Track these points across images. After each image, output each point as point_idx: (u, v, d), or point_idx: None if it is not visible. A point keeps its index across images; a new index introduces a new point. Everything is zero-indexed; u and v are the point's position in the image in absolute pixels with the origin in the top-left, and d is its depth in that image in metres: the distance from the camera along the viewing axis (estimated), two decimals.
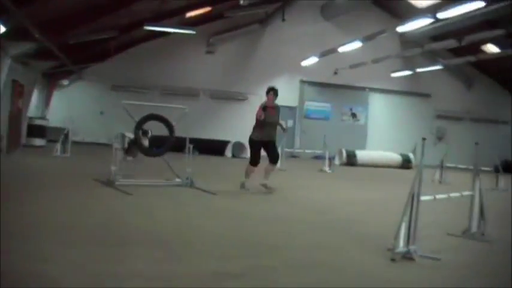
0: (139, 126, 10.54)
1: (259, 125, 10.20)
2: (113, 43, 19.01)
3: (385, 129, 26.52)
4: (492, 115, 27.72)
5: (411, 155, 22.31)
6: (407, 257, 5.37)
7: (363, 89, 26.61)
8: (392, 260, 5.31)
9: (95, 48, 18.92)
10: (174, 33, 20.28)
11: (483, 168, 14.22)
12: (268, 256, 5.29)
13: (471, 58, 22.07)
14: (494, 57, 22.20)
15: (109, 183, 9.58)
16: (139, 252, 4.99)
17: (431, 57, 25.01)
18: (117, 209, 7.60)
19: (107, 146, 15.95)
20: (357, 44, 18.61)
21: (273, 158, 10.45)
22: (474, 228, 6.85)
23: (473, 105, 27.54)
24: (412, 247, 5.42)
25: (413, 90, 27.04)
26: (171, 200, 8.73)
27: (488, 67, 26.76)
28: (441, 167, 15.58)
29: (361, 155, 22.19)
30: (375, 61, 23.11)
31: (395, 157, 22.48)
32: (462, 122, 27.54)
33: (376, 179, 16.50)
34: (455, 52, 23.82)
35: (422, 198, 5.59)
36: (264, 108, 10.11)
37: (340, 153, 21.69)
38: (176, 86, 23.80)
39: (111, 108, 20.51)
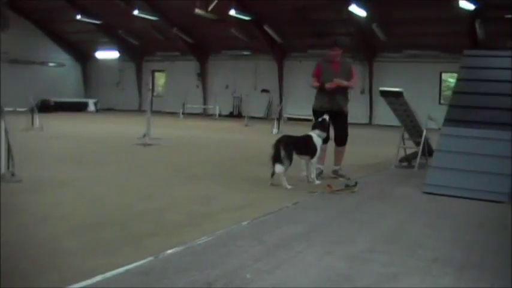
0: None
1: None
2: None
3: None
4: (30, 56, 27.88)
5: None
6: None
7: None
8: None
9: None
10: None
11: (19, 109, 14.47)
12: None
13: None
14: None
15: None
16: None
17: None
18: None
19: None
20: None
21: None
22: (3, 170, 6.88)
23: (11, 46, 27.00)
24: None
25: None
26: None
27: (23, 8, 26.55)
28: None
29: None
30: None
31: None
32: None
33: None
34: None
35: None
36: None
37: None
38: None
39: None
